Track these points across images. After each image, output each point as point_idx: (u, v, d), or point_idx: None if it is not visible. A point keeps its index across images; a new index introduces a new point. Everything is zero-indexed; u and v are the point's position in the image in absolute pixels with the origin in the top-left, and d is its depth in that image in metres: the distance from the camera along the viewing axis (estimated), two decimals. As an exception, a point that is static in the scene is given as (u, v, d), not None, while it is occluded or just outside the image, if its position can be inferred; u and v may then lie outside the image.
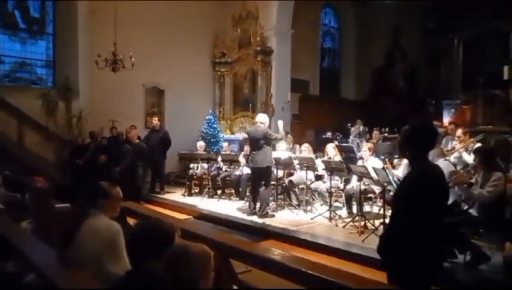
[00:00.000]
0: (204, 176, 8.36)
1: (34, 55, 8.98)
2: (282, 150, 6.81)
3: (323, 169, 6.21)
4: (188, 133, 9.99)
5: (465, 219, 3.87)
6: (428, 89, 12.68)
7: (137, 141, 7.88)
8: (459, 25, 11.78)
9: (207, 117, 10.29)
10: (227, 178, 8.11)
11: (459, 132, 5.98)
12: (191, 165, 8.55)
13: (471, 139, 5.79)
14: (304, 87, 11.74)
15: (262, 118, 6.46)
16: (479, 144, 5.54)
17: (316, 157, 6.69)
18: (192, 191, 8.41)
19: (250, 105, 10.36)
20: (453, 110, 12.09)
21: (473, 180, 4.06)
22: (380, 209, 6.09)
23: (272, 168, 6.59)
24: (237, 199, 7.64)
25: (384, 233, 2.49)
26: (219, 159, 8.10)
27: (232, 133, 10.82)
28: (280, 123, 6.54)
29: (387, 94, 13.05)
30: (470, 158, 5.50)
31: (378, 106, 12.67)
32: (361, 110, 11.85)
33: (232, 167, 8.03)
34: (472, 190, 3.82)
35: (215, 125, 10.19)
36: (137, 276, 1.58)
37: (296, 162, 6.59)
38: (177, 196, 8.27)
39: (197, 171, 8.48)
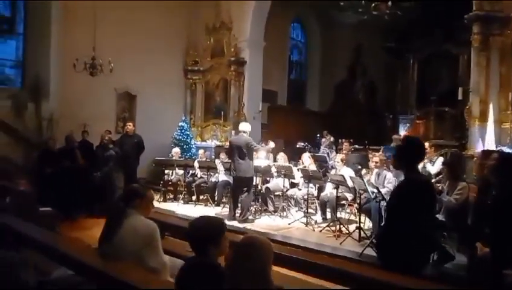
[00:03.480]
0: (179, 182, 8.49)
1: (3, 55, 8.68)
2: (261, 158, 7.12)
3: (301, 177, 6.60)
4: (158, 139, 10.03)
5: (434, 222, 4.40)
6: (387, 104, 13.61)
7: (112, 146, 7.87)
8: (414, 46, 12.81)
9: (180, 124, 10.40)
10: (203, 184, 8.28)
11: (426, 144, 6.62)
12: (166, 171, 8.64)
13: (436, 152, 6.46)
14: (273, 97, 12.18)
15: (245, 127, 6.72)
16: (441, 157, 6.21)
17: (294, 166, 7.08)
18: (167, 197, 8.49)
19: (222, 113, 10.62)
20: (408, 124, 13.06)
21: (440, 188, 4.61)
22: (350, 215, 6.63)
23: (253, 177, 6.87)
24: (213, 205, 7.83)
25: (380, 233, 2.88)
26: (196, 165, 8.25)
27: (203, 140, 11.00)
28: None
29: (348, 107, 13.81)
30: (433, 169, 6.12)
31: (340, 118, 13.37)
32: (325, 121, 12.47)
33: (208, 173, 8.22)
34: (441, 197, 4.35)
35: (187, 132, 10.32)
36: (201, 263, 1.83)
37: (274, 169, 6.93)
38: (151, 201, 8.29)
39: (171, 177, 8.58)
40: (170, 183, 8.59)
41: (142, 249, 2.28)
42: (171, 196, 8.55)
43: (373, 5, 10.46)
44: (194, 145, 10.34)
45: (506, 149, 5.72)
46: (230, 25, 10.52)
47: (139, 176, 9.59)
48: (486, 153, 3.55)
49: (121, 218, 2.35)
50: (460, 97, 8.58)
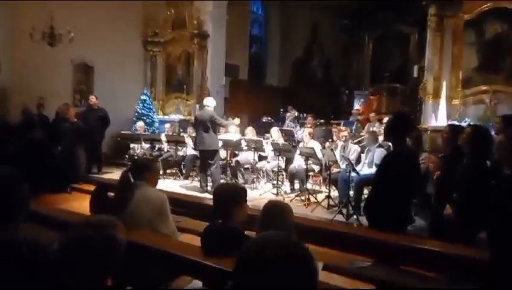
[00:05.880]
0: (145, 157, 8.40)
1: None
2: (232, 133, 7.26)
3: (271, 150, 6.84)
4: (119, 112, 9.76)
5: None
6: (342, 80, 14.16)
7: (75, 119, 7.59)
8: (368, 25, 13.35)
9: (141, 97, 10.16)
10: (169, 158, 8.29)
11: (387, 118, 7.09)
12: (132, 146, 8.51)
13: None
14: (235, 72, 12.21)
15: (209, 102, 6.85)
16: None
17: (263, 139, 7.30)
18: (133, 171, 8.39)
19: (185, 87, 10.51)
20: (362, 99, 13.72)
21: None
22: (315, 186, 7.04)
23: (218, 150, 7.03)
24: (181, 178, 7.90)
25: (369, 197, 3.20)
26: (163, 139, 8.21)
27: (165, 114, 10.85)
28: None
29: (306, 83, 14.21)
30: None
31: (299, 93, 13.74)
32: (284, 96, 12.79)
33: (175, 147, 8.23)
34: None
35: (150, 106, 10.12)
36: (227, 227, 1.99)
37: (244, 143, 7.11)
38: (116, 176, 8.17)
39: (137, 152, 8.47)
40: (136, 157, 8.47)
41: (156, 217, 2.40)
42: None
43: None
44: (156, 119, 10.19)
45: (458, 123, 6.28)
46: (192, -3, 10.29)
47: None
48: (453, 127, 3.95)
49: (132, 189, 2.42)
50: (415, 75, 9.17)
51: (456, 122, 6.44)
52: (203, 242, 2.02)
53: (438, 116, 7.20)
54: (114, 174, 8.26)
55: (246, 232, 2.15)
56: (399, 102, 12.63)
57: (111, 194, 3.91)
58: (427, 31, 7.55)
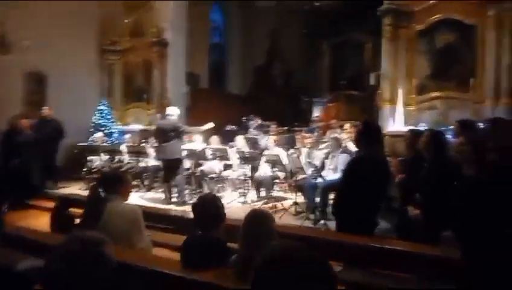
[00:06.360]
0: (104, 169, 8.09)
1: None
2: (197, 142, 7.17)
3: (238, 158, 6.82)
4: (74, 123, 9.34)
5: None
6: (302, 88, 14.43)
7: (30, 131, 7.19)
8: (327, 33, 13.74)
9: (99, 107, 9.81)
10: (131, 170, 8.03)
11: (348, 125, 7.32)
12: (89, 158, 8.17)
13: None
14: (195, 80, 12.10)
15: (173, 111, 6.76)
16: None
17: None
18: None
19: (145, 96, 10.28)
20: (321, 107, 14.06)
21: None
22: (281, 193, 7.10)
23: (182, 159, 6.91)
24: (144, 190, 7.68)
25: (336, 201, 3.27)
26: (124, 150, 7.96)
27: (124, 124, 10.53)
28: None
29: (267, 91, 14.35)
30: (354, 147, 6.79)
31: (260, 101, 13.84)
32: (246, 104, 12.81)
33: (137, 158, 8.00)
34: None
35: (109, 116, 9.79)
36: (210, 238, 1.95)
37: (209, 152, 7.03)
38: (74, 190, 7.81)
39: (96, 164, 8.15)
40: (94, 170, 8.15)
41: (131, 232, 2.30)
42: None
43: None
44: (115, 130, 9.86)
45: (415, 128, 6.57)
46: (152, 5, 10.13)
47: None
48: (414, 132, 4.14)
49: (103, 204, 2.32)
50: (372, 82, 9.52)
51: (415, 127, 6.73)
52: (183, 255, 1.96)
53: (395, 122, 7.50)
54: (71, 189, 7.90)
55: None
56: (357, 109, 13.00)
57: (74, 210, 3.75)
58: (382, 39, 7.88)
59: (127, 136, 8.78)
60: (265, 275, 0.83)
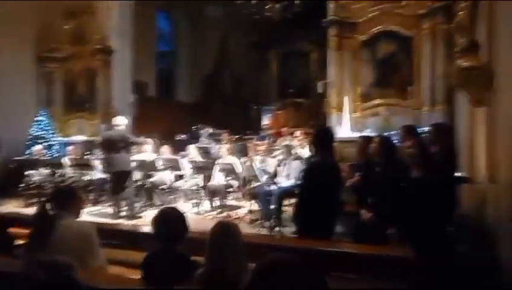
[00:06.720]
0: (44, 184, 7.57)
1: None
2: (148, 152, 6.94)
3: (190, 168, 6.69)
4: (9, 136, 8.66)
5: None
6: (252, 96, 14.55)
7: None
8: (273, 43, 14.00)
9: (37, 118, 9.18)
10: (74, 184, 7.59)
11: (298, 132, 7.46)
12: (27, 173, 7.61)
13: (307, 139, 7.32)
14: (143, 89, 11.76)
15: (120, 121, 6.54)
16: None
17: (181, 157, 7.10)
18: (30, 202, 7.49)
19: (88, 106, 9.80)
20: (270, 114, 14.26)
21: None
22: (235, 201, 7.06)
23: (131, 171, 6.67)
24: (89, 205, 7.28)
25: (297, 207, 3.31)
26: (66, 163, 7.51)
27: (66, 135, 9.95)
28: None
29: (217, 99, 14.30)
30: (304, 153, 6.93)
31: (210, 109, 13.75)
32: (195, 113, 12.66)
33: (81, 172, 7.58)
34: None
35: (48, 127, 9.20)
36: (174, 253, 1.87)
37: (160, 163, 6.84)
38: (11, 207, 7.21)
39: (35, 179, 7.60)
40: (33, 185, 7.60)
41: (84, 250, 2.15)
42: (36, 200, 7.57)
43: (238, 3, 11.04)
44: (56, 142, 9.29)
45: (360, 134, 6.85)
46: (94, 10, 9.72)
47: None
48: (365, 138, 4.31)
49: (53, 222, 2.15)
50: (319, 90, 9.82)
51: (365, 134, 6.99)
52: (146, 272, 1.86)
53: (342, 128, 7.76)
54: (9, 207, 7.29)
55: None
56: (305, 116, 13.36)
57: (15, 229, 3.45)
58: (326, 49, 8.17)
59: (70, 148, 8.29)
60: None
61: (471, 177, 4.32)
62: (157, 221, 1.94)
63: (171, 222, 1.94)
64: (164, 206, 6.50)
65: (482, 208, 4.02)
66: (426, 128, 5.48)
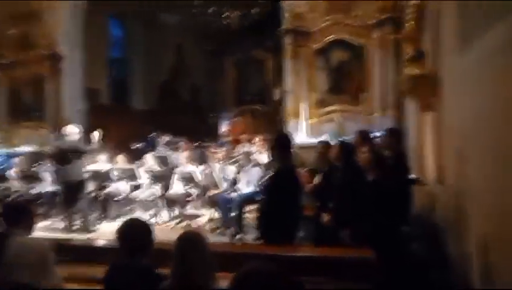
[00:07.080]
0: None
1: None
2: (102, 162, 6.68)
3: (148, 178, 6.52)
4: None
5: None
6: (209, 103, 14.48)
7: None
8: (229, 50, 14.05)
9: (-22, 128, 8.58)
10: (20, 198, 7.15)
11: (257, 139, 7.50)
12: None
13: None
14: (95, 96, 11.36)
15: (71, 129, 6.28)
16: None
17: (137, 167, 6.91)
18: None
19: (36, 114, 9.30)
20: (227, 122, 14.25)
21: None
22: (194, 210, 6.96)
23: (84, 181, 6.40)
24: (40, 219, 6.88)
25: (260, 214, 3.33)
26: (12, 176, 7.06)
27: (12, 146, 9.36)
28: (96, 134, 6.42)
29: (173, 106, 14.08)
30: (262, 158, 6.97)
31: (166, 117, 13.50)
32: (152, 120, 12.39)
33: (27, 185, 7.17)
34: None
35: (-10, 138, 8.62)
36: (138, 265, 1.81)
37: (115, 173, 6.61)
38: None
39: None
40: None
41: (39, 268, 2.03)
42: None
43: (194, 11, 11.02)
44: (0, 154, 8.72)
45: (316, 139, 7.00)
46: (42, 15, 9.28)
47: None
48: (324, 144, 4.42)
49: (3, 240, 2.02)
50: (276, 97, 9.95)
51: (323, 139, 7.15)
52: (109, 286, 1.79)
53: (299, 134, 7.92)
54: None
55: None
56: (263, 122, 13.47)
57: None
58: (282, 56, 8.32)
59: (15, 160, 7.79)
60: None
61: (422, 179, 4.56)
62: (122, 232, 1.87)
63: (137, 233, 1.88)
64: (129, 217, 6.37)
65: (431, 208, 4.25)
66: (378, 133, 5.75)
